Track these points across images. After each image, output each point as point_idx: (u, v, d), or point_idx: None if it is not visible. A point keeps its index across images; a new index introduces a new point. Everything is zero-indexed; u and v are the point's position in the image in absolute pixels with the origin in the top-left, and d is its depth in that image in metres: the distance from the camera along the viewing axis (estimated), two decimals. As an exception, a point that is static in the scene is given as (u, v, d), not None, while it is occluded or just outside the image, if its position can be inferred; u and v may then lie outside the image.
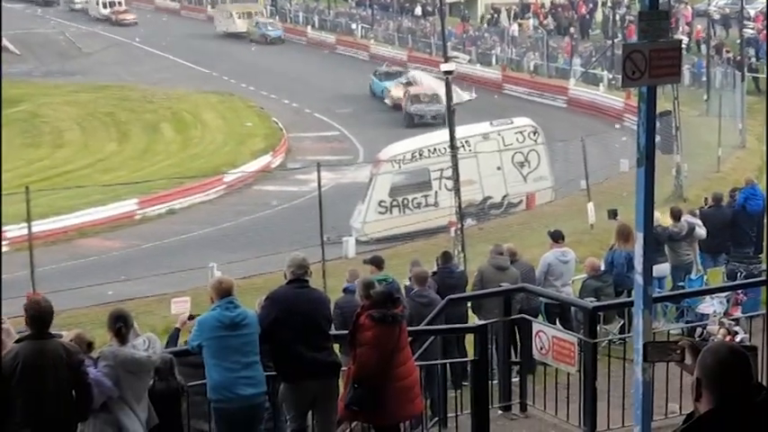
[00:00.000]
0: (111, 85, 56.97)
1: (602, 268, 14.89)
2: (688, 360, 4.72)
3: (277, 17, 76.35)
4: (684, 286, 15.66)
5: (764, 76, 44.44)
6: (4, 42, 67.69)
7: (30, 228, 23.90)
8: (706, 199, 19.02)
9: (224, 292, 8.65)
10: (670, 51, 7.47)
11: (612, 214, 18.70)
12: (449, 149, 25.59)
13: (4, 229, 27.69)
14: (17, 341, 7.54)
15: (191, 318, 9.26)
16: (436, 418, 10.74)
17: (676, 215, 16.79)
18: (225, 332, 8.50)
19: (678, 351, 4.82)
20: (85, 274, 28.09)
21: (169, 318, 18.57)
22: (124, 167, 40.82)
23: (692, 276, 16.16)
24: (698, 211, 17.65)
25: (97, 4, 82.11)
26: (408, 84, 48.62)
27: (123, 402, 7.95)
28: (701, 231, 16.74)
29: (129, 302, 22.12)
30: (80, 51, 68.99)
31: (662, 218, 16.50)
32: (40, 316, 7.48)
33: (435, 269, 14.20)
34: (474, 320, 12.55)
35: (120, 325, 8.06)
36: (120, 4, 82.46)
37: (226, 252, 28.68)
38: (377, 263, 13.38)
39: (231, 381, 8.52)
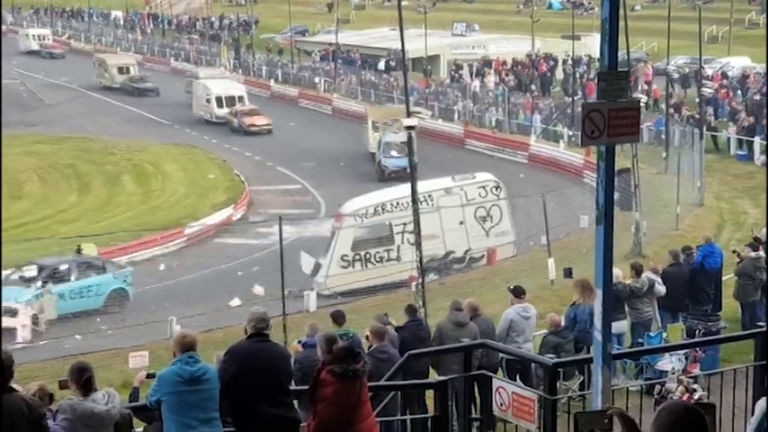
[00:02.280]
0: (72, 136, 56.81)
1: (563, 324, 14.94)
2: (616, 429, 4.74)
3: (240, 71, 76.70)
4: (643, 343, 15.73)
5: (723, 134, 45.07)
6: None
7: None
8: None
9: (187, 347, 8.54)
10: (629, 111, 7.56)
11: (567, 273, 18.69)
12: (411, 204, 25.65)
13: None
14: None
15: (149, 376, 9.18)
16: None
17: (638, 270, 16.90)
18: (184, 387, 8.41)
19: (606, 420, 4.82)
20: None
21: (127, 372, 18.41)
22: (84, 219, 40.57)
23: (651, 333, 16.24)
24: (660, 269, 17.77)
25: (208, 101, 60.19)
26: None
27: (80, 457, 7.85)
28: (661, 288, 16.88)
29: (86, 356, 21.89)
30: (42, 102, 68.79)
31: (622, 274, 16.60)
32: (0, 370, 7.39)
33: (402, 323, 14.20)
34: (433, 376, 12.53)
35: (89, 375, 8.03)
36: (241, 100, 59.90)
37: (185, 305, 28.53)
38: (336, 318, 13.37)
39: (190, 437, 8.42)
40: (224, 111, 58.71)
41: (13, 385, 7.69)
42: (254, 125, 56.31)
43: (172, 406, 8.42)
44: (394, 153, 44.42)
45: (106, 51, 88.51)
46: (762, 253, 18.25)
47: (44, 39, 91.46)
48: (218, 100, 59.53)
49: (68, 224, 39.18)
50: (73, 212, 42.24)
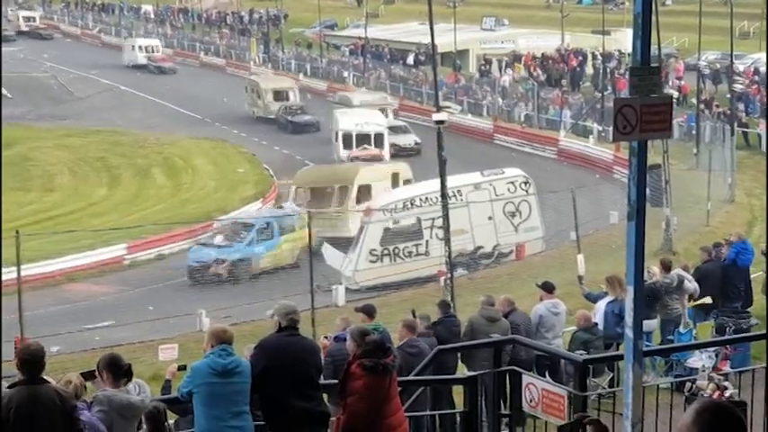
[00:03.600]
0: (102, 129, 57.12)
1: (596, 320, 14.88)
2: None
3: (269, 65, 76.84)
4: (673, 340, 15.65)
5: (754, 130, 44.76)
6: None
7: (19, 272, 23.84)
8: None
9: (224, 341, 8.57)
10: (661, 106, 7.52)
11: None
12: (440, 199, 25.63)
13: None
14: (9, 386, 7.51)
15: (180, 368, 9.21)
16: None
17: (667, 266, 16.79)
18: (216, 379, 8.43)
19: (580, 429, 4.81)
20: (73, 319, 28.02)
21: (157, 364, 18.52)
22: (114, 212, 40.80)
23: (681, 330, 16.15)
24: (690, 266, 17.63)
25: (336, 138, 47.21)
26: None
27: (114, 448, 7.92)
28: (690, 285, 16.74)
29: (116, 348, 22.02)
30: (72, 96, 69.19)
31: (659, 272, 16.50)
32: (33, 361, 7.46)
33: (435, 319, 14.22)
34: (463, 371, 12.52)
35: (128, 365, 8.11)
36: (379, 140, 46.67)
37: (215, 299, 28.64)
38: (368, 311, 13.36)
39: (219, 429, 8.44)
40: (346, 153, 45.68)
41: (45, 377, 7.76)
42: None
43: (203, 398, 8.46)
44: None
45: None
46: None
47: (153, 51, 79.69)
48: (346, 139, 46.64)
49: (99, 217, 39.41)
50: (103, 205, 42.48)
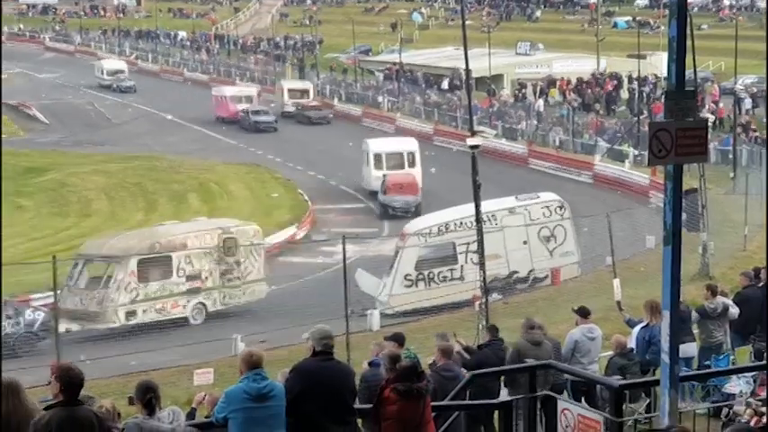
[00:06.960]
0: (139, 155, 57.53)
1: (632, 346, 14.76)
2: None
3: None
4: (711, 365, 15.48)
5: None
6: (34, 112, 68.91)
7: (56, 296, 24.04)
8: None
9: (254, 365, 8.58)
10: (696, 130, 7.50)
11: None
12: (475, 223, 25.56)
13: (32, 296, 28.15)
14: (47, 408, 7.59)
15: (205, 397, 9.22)
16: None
17: (713, 291, 16.56)
18: (252, 404, 8.44)
19: None
20: (109, 343, 28.17)
21: (192, 389, 18.56)
22: (151, 237, 40.94)
23: (719, 356, 15.97)
24: (728, 292, 17.39)
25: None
26: None
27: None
28: (734, 311, 16.51)
29: (151, 373, 22.09)
30: (109, 122, 69.77)
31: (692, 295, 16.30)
32: (71, 383, 7.55)
33: (481, 342, 14.21)
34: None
35: (151, 396, 8.12)
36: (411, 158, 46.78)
37: (250, 323, 28.68)
38: (398, 339, 13.33)
39: (255, 453, 8.44)
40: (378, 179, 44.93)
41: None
42: None
43: (239, 423, 8.46)
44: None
45: (173, 72, 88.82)
46: None
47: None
48: (377, 158, 46.99)
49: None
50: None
